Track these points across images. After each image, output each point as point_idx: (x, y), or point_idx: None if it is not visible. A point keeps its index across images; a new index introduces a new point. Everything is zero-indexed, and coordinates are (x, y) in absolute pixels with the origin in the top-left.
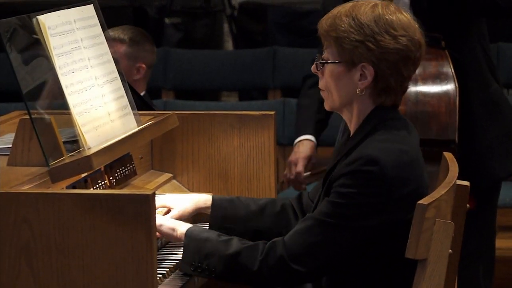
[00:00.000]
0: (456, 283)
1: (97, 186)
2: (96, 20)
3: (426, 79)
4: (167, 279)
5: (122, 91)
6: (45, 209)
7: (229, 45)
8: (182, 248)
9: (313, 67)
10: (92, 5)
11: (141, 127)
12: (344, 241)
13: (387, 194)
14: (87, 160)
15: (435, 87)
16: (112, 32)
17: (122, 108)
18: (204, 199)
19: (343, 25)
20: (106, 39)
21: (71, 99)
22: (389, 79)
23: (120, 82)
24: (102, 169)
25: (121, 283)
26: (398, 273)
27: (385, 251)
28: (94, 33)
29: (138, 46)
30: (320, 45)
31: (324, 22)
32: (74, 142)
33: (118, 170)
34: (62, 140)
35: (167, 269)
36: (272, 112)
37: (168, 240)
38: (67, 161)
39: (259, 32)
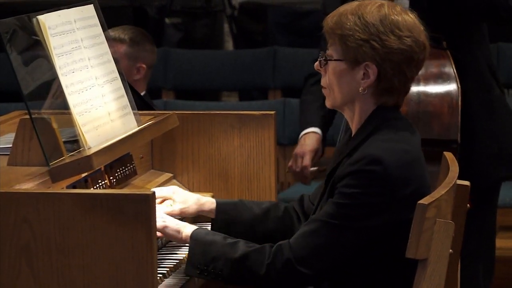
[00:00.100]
0: (458, 283)
1: (97, 186)
2: (96, 20)
3: (428, 79)
4: (168, 279)
5: (122, 91)
6: (45, 209)
7: (229, 45)
8: (188, 250)
9: (316, 64)
10: (92, 5)
11: (141, 127)
12: (349, 242)
13: (390, 193)
14: (87, 160)
15: (437, 87)
16: (112, 32)
17: (122, 108)
18: (209, 203)
19: (348, 23)
20: (106, 39)
21: (71, 99)
22: (392, 79)
23: (120, 82)
24: (102, 169)
25: (121, 283)
26: (399, 273)
27: (386, 251)
28: (94, 33)
29: (138, 46)
30: (322, 44)
31: (329, 20)
32: (74, 142)
33: (118, 170)
34: (62, 140)
35: (168, 269)
36: (272, 112)
37: (168, 240)
38: (67, 161)
39: (259, 32)
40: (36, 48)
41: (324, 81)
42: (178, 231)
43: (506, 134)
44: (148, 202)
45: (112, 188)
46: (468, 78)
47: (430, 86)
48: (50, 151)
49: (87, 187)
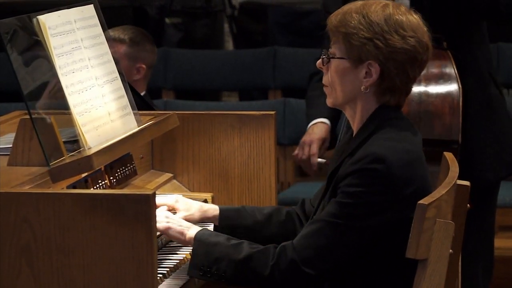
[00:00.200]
0: (459, 284)
1: (98, 186)
2: (96, 20)
3: (429, 80)
4: (168, 279)
5: (123, 91)
6: (45, 209)
7: (229, 45)
8: (188, 250)
9: (318, 62)
10: (92, 5)
11: (141, 127)
12: (353, 241)
13: (392, 192)
14: (88, 160)
15: (438, 87)
16: (112, 32)
17: (122, 108)
18: (212, 209)
19: (353, 22)
20: (106, 39)
21: (71, 99)
22: (395, 78)
23: (121, 82)
24: (103, 169)
25: (121, 283)
26: (399, 273)
27: (387, 251)
28: (94, 33)
29: (138, 46)
30: (325, 43)
31: (333, 18)
32: (75, 142)
33: (118, 170)
34: (63, 140)
35: (168, 269)
36: (273, 112)
37: (169, 240)
38: (67, 161)
39: (259, 32)
40: (36, 48)
41: (326, 79)
42: (181, 233)
43: (506, 134)
44: (148, 202)
45: (112, 188)
46: (468, 78)
47: (431, 87)
48: (50, 151)
49: (87, 187)
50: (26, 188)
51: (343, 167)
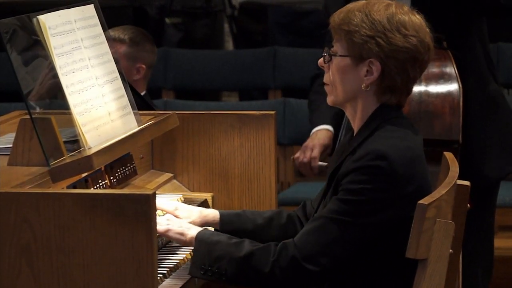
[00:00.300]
0: (460, 284)
1: (98, 186)
2: (96, 20)
3: (429, 79)
4: (168, 279)
5: (123, 91)
6: (45, 209)
7: (229, 45)
8: (188, 250)
9: (320, 61)
10: (92, 5)
11: (141, 127)
12: (355, 238)
13: (394, 189)
14: (88, 160)
15: (438, 87)
16: (112, 32)
17: (122, 108)
18: (212, 214)
19: (355, 20)
20: (106, 39)
21: (71, 99)
22: (395, 77)
23: (121, 82)
24: (103, 169)
25: (121, 283)
26: (399, 273)
27: (387, 250)
28: (94, 33)
29: (138, 46)
30: (326, 42)
31: (336, 16)
32: (75, 142)
33: (118, 170)
34: (63, 140)
35: (168, 269)
36: (273, 112)
37: (169, 240)
38: (67, 161)
39: (259, 32)
40: (36, 48)
41: (327, 78)
42: (182, 234)
43: (510, 127)
44: (148, 202)
45: (112, 188)
46: (469, 78)
47: (431, 86)
48: (50, 151)
49: (88, 187)
50: (26, 188)
51: (344, 166)
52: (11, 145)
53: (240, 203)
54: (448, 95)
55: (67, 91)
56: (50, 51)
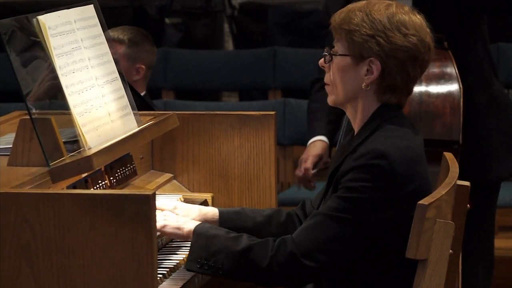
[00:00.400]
0: (460, 284)
1: (98, 186)
2: (96, 20)
3: (430, 80)
4: (168, 279)
5: (122, 91)
6: (45, 209)
7: (229, 45)
8: (189, 245)
9: (320, 61)
10: (92, 5)
11: (141, 127)
12: (353, 235)
13: (394, 188)
14: (88, 160)
15: (439, 87)
16: (111, 33)
17: (122, 108)
18: (211, 212)
19: (356, 19)
20: (106, 39)
21: (71, 99)
22: (395, 77)
23: (120, 83)
24: (103, 169)
25: (121, 283)
26: (399, 273)
27: (387, 250)
28: (94, 33)
29: (137, 47)
30: (327, 42)
31: (337, 16)
32: (75, 142)
33: (118, 170)
34: (63, 140)
35: (168, 269)
36: (273, 112)
37: (169, 240)
38: (67, 161)
39: (259, 32)
40: (35, 48)
41: (327, 78)
42: (179, 228)
43: None
44: (148, 203)
45: (112, 188)
46: (470, 78)
47: (432, 87)
48: (50, 151)
49: (87, 188)
50: (26, 188)
51: (344, 164)
52: (11, 146)
53: (240, 203)
54: (448, 95)
55: (67, 92)
56: (50, 51)
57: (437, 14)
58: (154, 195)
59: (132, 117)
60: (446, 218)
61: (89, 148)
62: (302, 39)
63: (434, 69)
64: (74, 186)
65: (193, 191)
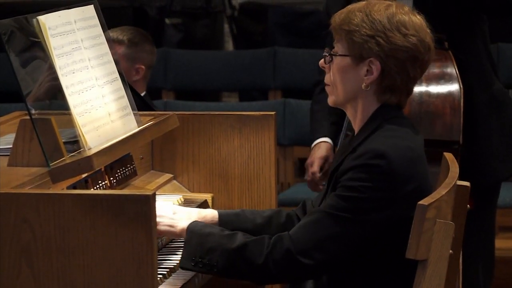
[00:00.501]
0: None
1: (98, 186)
2: (96, 21)
3: (430, 80)
4: (168, 280)
5: (123, 92)
6: (45, 210)
7: (229, 45)
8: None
9: (321, 62)
10: (92, 5)
11: (141, 127)
12: (351, 234)
13: (393, 188)
14: (88, 161)
15: (439, 87)
16: (111, 33)
17: (122, 109)
18: (211, 215)
19: (356, 19)
20: (106, 40)
21: (71, 100)
22: (395, 77)
23: (121, 83)
24: (103, 169)
25: (121, 283)
26: (399, 273)
27: (386, 250)
28: (94, 34)
29: (136, 47)
30: (327, 42)
31: (337, 17)
32: (75, 143)
33: (118, 171)
34: (63, 140)
35: (168, 270)
36: (273, 113)
37: (169, 241)
38: (67, 161)
39: (259, 32)
40: (35, 49)
41: (327, 78)
42: (171, 226)
43: None
44: (148, 203)
45: (112, 188)
46: (471, 78)
47: (432, 87)
48: (50, 151)
49: (87, 188)
50: (26, 189)
51: (344, 164)
52: (11, 146)
53: (240, 203)
54: (448, 95)
55: (67, 92)
56: (50, 51)
57: (438, 14)
58: (154, 195)
59: (132, 118)
60: (446, 218)
61: (89, 149)
62: (302, 39)
63: (434, 69)
64: (74, 187)
65: (193, 192)
